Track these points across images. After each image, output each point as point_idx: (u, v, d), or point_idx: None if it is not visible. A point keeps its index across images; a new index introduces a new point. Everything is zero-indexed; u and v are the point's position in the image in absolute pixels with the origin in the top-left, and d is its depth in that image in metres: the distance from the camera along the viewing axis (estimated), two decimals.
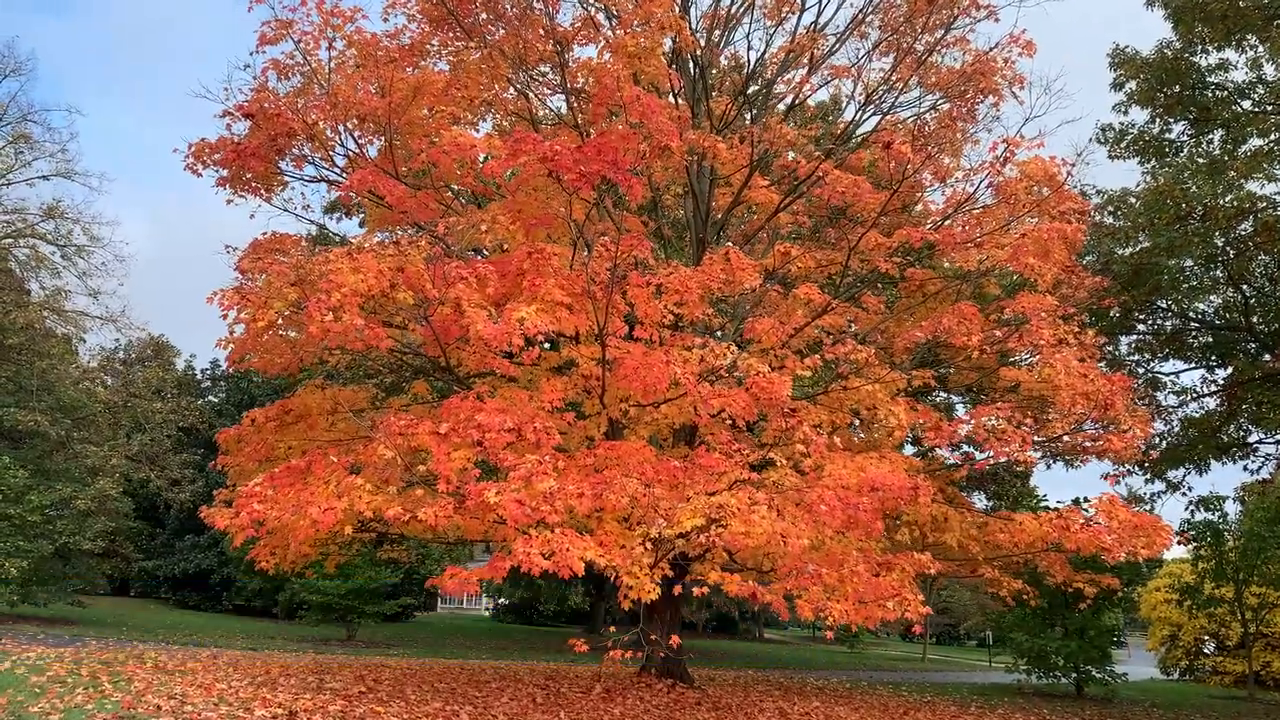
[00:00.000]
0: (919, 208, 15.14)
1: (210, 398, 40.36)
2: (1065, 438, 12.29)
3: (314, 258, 10.26)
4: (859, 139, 14.24)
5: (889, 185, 12.72)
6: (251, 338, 10.98)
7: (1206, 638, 33.30)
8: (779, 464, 10.65)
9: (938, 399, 21.31)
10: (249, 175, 12.20)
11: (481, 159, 12.02)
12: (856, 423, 14.19)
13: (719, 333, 15.04)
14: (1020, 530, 11.88)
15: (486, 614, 54.03)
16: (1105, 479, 20.75)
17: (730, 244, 11.85)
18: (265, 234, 12.46)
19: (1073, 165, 12.23)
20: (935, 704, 17.65)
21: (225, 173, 12.18)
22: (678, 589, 10.81)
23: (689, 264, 12.89)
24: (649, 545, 8.99)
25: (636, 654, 13.16)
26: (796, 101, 14.01)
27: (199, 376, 41.72)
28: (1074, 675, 21.40)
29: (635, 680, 14.35)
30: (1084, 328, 12.83)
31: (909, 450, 17.36)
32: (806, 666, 28.16)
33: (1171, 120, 19.80)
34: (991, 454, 11.99)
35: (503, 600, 44.95)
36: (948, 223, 12.86)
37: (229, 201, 13.52)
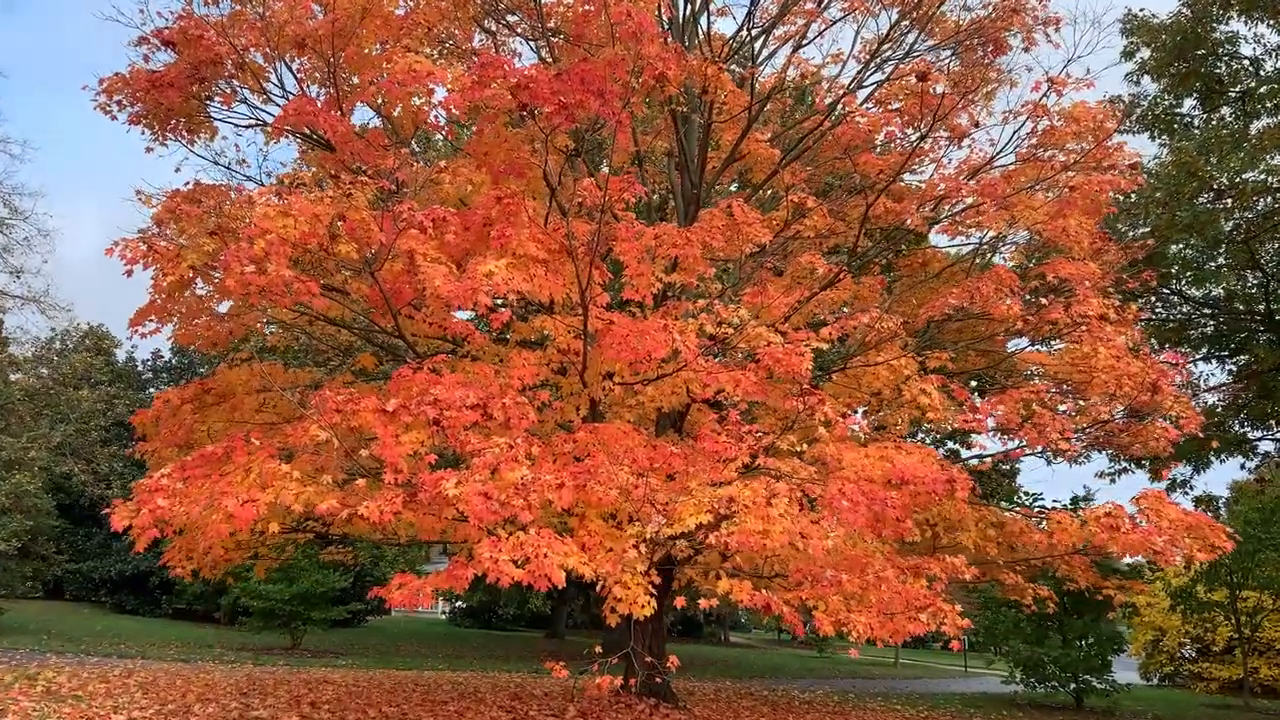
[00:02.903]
0: (931, 171, 13.59)
1: (152, 390, 38.01)
2: (1107, 425, 10.80)
3: (236, 201, 8.50)
4: (872, 85, 12.65)
5: (909, 141, 11.24)
6: (164, 300, 9.19)
7: (1188, 642, 32.34)
8: (781, 451, 9.10)
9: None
10: (168, 111, 10.38)
11: (441, 94, 10.31)
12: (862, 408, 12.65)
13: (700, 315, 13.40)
14: (1059, 530, 10.38)
15: (443, 618, 52.00)
16: (1154, 472, 19.33)
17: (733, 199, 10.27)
18: (188, 183, 10.63)
19: (1125, 111, 10.77)
20: (932, 718, 16.21)
21: (139, 108, 10.35)
22: (679, 600, 9.17)
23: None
24: (643, 548, 7.36)
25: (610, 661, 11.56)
26: (802, 42, 12.42)
27: (140, 368, 39.35)
28: (1073, 686, 20.07)
29: (613, 700, 12.69)
30: (1125, 301, 11.39)
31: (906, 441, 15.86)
32: (781, 674, 26.66)
33: (1183, 94, 18.55)
34: (1025, 442, 10.52)
35: (460, 604, 42.99)
36: (986, 174, 11.27)
37: (149, 150, 11.67)
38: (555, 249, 9.20)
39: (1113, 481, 23.92)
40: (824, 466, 8.61)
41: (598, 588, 7.33)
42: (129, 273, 8.42)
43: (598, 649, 8.22)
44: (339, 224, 8.52)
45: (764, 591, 7.83)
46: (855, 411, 12.45)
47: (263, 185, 18.02)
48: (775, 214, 11.92)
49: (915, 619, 8.62)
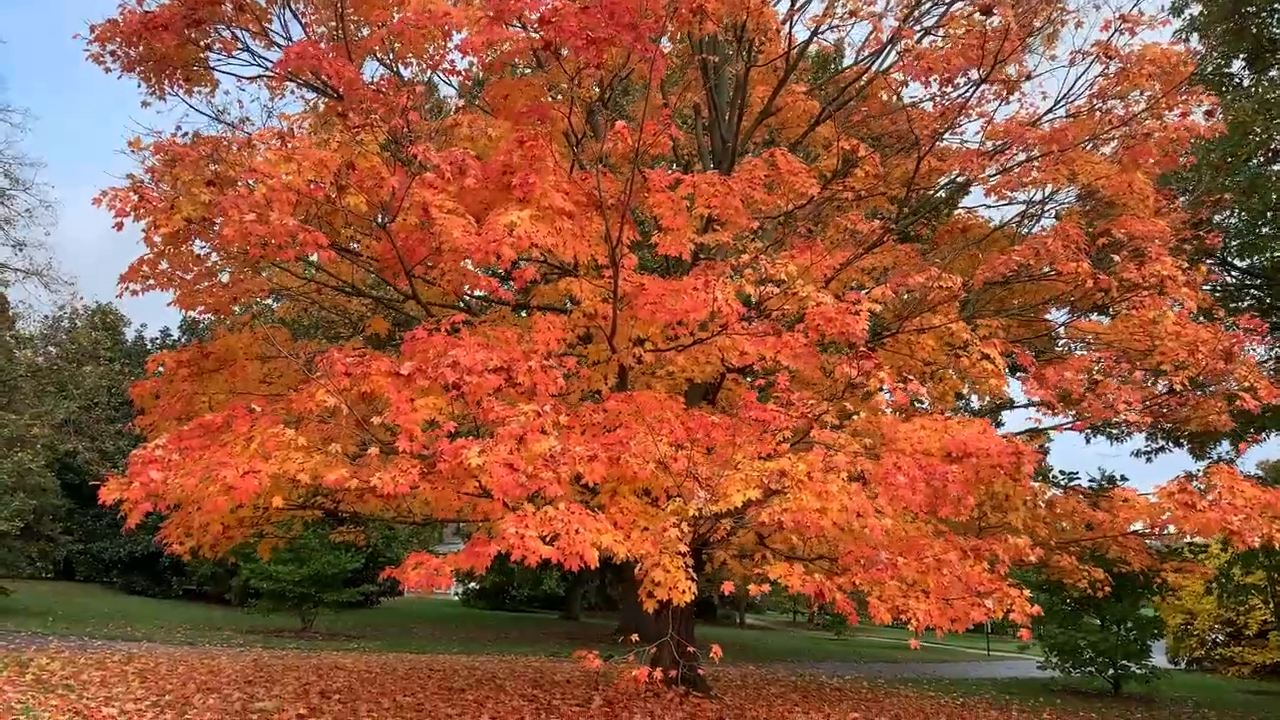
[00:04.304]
0: (979, 127, 12.71)
1: (161, 369, 37.36)
2: (1175, 397, 9.99)
3: (235, 142, 7.75)
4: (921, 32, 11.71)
5: (952, 97, 10.40)
6: (157, 255, 8.47)
7: (1218, 626, 31.56)
8: (828, 424, 8.34)
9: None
10: (163, 58, 9.63)
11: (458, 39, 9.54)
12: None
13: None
14: (1126, 508, 9.61)
15: (456, 599, 51.48)
16: (1196, 450, 18.49)
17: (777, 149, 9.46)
18: (186, 133, 9.87)
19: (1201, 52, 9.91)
20: (972, 706, 15.49)
21: (132, 53, 9.60)
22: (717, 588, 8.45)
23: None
24: (684, 527, 6.62)
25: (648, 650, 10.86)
26: None
27: (149, 347, 38.75)
28: (1111, 671, 19.31)
29: (640, 688, 12.00)
30: (1192, 263, 10.57)
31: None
32: (801, 657, 25.97)
33: (1232, 54, 17.60)
34: (1086, 415, 9.73)
35: (473, 585, 42.39)
36: (1039, 128, 10.39)
37: (145, 104, 10.95)
38: (582, 201, 8.44)
39: (1149, 460, 23.13)
40: (881, 438, 7.85)
41: (636, 570, 6.60)
42: (119, 225, 7.69)
43: (634, 637, 7.49)
44: (347, 173, 7.79)
45: (816, 577, 7.09)
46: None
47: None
48: (823, 163, 11.08)
49: (979, 605, 7.88)
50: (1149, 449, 22.59)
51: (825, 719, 12.09)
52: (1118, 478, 20.00)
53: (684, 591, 6.50)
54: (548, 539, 6.01)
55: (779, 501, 6.43)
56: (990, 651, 38.22)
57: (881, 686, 17.66)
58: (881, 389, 7.50)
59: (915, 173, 10.06)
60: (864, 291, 9.75)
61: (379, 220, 7.81)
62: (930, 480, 7.58)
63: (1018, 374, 11.77)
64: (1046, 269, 9.50)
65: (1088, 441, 21.74)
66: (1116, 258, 9.45)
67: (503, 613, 38.97)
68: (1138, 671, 19.10)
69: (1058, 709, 16.32)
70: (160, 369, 9.80)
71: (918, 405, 8.87)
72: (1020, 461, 8.09)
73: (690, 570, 6.67)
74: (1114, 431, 20.28)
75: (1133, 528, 12.06)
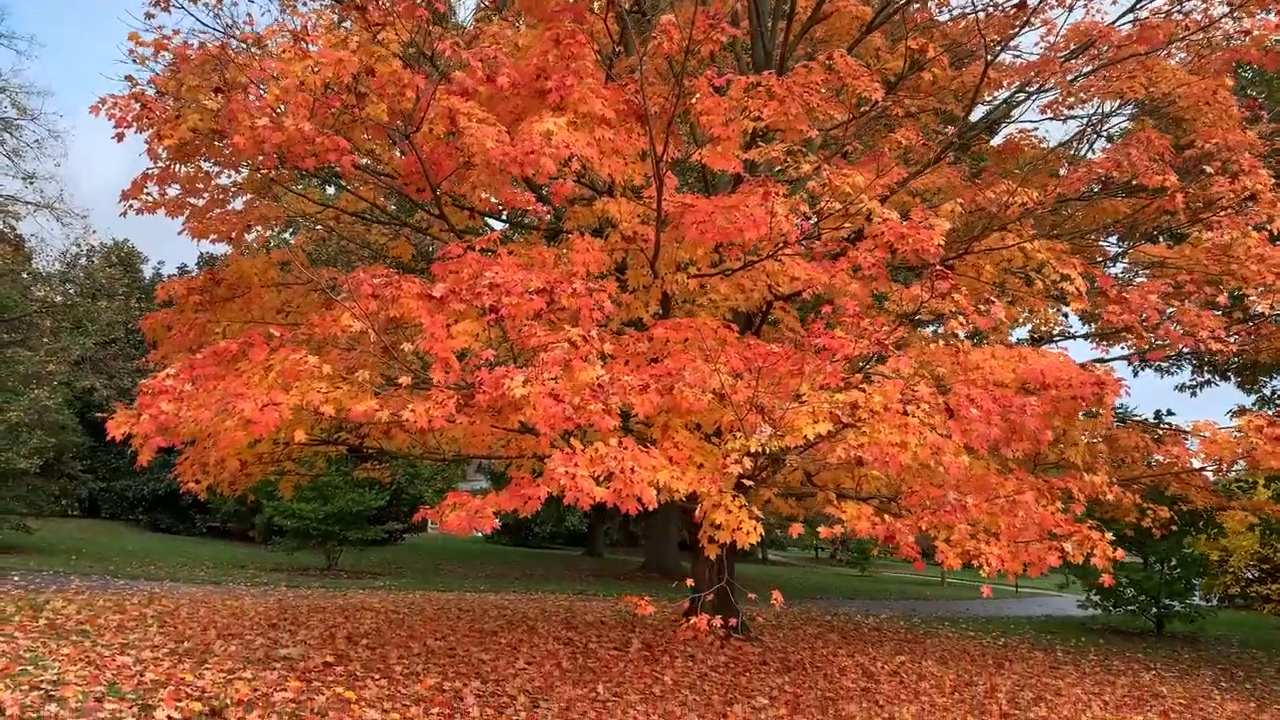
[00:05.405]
0: (1030, 41, 11.74)
1: (171, 297, 36.81)
2: (1261, 325, 9.26)
3: (245, 38, 7.03)
4: None
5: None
6: (162, 171, 7.81)
7: (1255, 563, 31.06)
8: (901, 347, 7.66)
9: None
10: None
11: None
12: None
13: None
14: (1207, 444, 8.93)
15: (479, 535, 51.60)
16: (1246, 383, 17.75)
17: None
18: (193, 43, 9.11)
19: None
20: (1015, 647, 15.05)
21: None
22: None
23: None
24: (746, 463, 6.01)
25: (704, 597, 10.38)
26: None
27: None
28: (1154, 610, 18.81)
29: (701, 635, 11.54)
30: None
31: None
32: (830, 594, 25.62)
33: None
34: (1164, 343, 9.03)
35: (496, 522, 42.30)
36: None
37: (149, 15, 10.17)
38: (622, 109, 7.71)
39: (1193, 395, 22.35)
40: (959, 367, 7.18)
41: (695, 512, 6.01)
42: (119, 136, 7.03)
43: (689, 582, 6.94)
44: (367, 79, 7.07)
45: (887, 519, 6.49)
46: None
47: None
48: (886, 64, 10.21)
49: (1055, 548, 7.28)
50: (1194, 383, 21.81)
51: (871, 661, 11.63)
52: (1163, 413, 19.33)
53: (748, 533, 5.92)
54: (600, 479, 5.42)
55: (853, 435, 5.81)
56: (1019, 589, 37.87)
57: (919, 626, 17.24)
58: (956, 313, 6.80)
59: (982, 79, 9.21)
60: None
61: (402, 130, 7.10)
62: (1006, 413, 6.94)
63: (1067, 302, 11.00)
64: (1125, 183, 8.68)
65: (1135, 375, 21.01)
66: (1209, 169, 8.63)
67: (526, 549, 38.89)
68: (1181, 610, 18.60)
69: (1101, 649, 15.87)
70: (170, 297, 9.15)
71: (999, 328, 8.19)
72: (1103, 392, 7.44)
73: (753, 509, 6.08)
74: (1163, 364, 19.54)
75: (1196, 464, 11.45)
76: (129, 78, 7.30)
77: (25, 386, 19.28)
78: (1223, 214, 9.56)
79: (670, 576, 24.74)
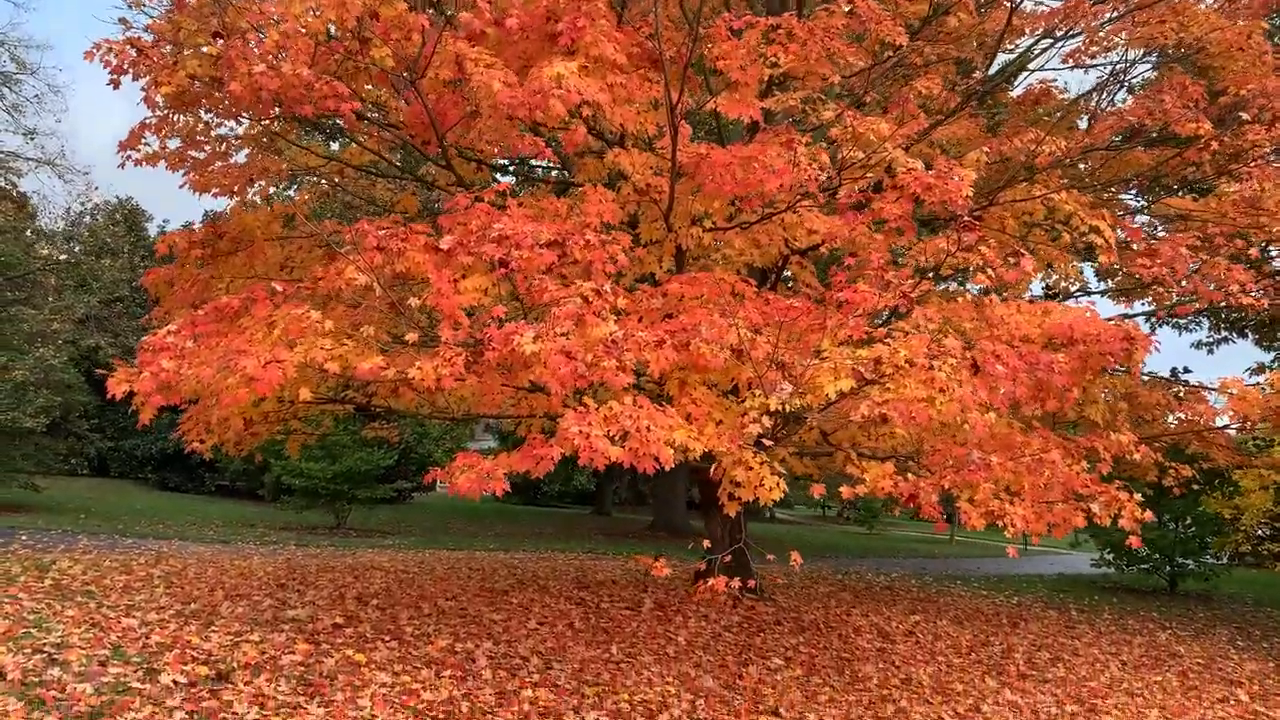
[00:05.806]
0: None
1: (172, 251, 36.60)
2: None
3: None
4: None
5: None
6: (159, 120, 7.55)
7: (1266, 521, 30.98)
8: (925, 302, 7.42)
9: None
10: None
11: None
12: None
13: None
14: (1236, 401, 8.71)
15: (488, 494, 51.72)
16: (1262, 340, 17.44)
17: None
18: None
19: None
20: (1029, 606, 14.95)
21: None
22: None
23: None
24: (766, 421, 5.80)
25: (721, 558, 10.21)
26: None
27: None
28: (1168, 569, 18.69)
29: (691, 590, 11.43)
30: None
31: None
32: (840, 552, 25.59)
33: None
34: (1194, 297, 8.77)
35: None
36: None
37: None
38: (634, 53, 7.42)
39: (1210, 352, 22.02)
40: (985, 321, 6.95)
41: (713, 470, 5.82)
42: (115, 83, 6.79)
43: (705, 543, 6.77)
44: (370, 23, 6.79)
45: (910, 478, 6.29)
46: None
47: None
48: (908, 9, 9.83)
49: (1080, 509, 7.10)
50: (1211, 340, 21.52)
51: (885, 621, 11.52)
52: (1179, 370, 19.06)
53: (770, 489, 5.74)
54: (615, 438, 5.22)
55: (877, 392, 5.59)
56: (1027, 546, 37.84)
57: (931, 585, 17.16)
58: (984, 266, 6.55)
59: (1007, 24, 8.86)
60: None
61: (407, 77, 6.83)
62: (1033, 370, 6.71)
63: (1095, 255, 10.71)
64: (1158, 130, 8.36)
65: (1152, 331, 20.70)
66: (1245, 115, 8.31)
67: (534, 508, 38.94)
68: (1194, 569, 18.49)
69: (1115, 608, 15.77)
70: (171, 250, 8.93)
71: (1026, 284, 7.95)
72: (1133, 348, 7.20)
73: (774, 465, 5.89)
74: (1182, 321, 19.24)
75: (1221, 422, 11.22)
76: (123, 20, 7.02)
77: (30, 345, 19.14)
78: (1253, 164, 9.28)
79: (679, 535, 24.70)
